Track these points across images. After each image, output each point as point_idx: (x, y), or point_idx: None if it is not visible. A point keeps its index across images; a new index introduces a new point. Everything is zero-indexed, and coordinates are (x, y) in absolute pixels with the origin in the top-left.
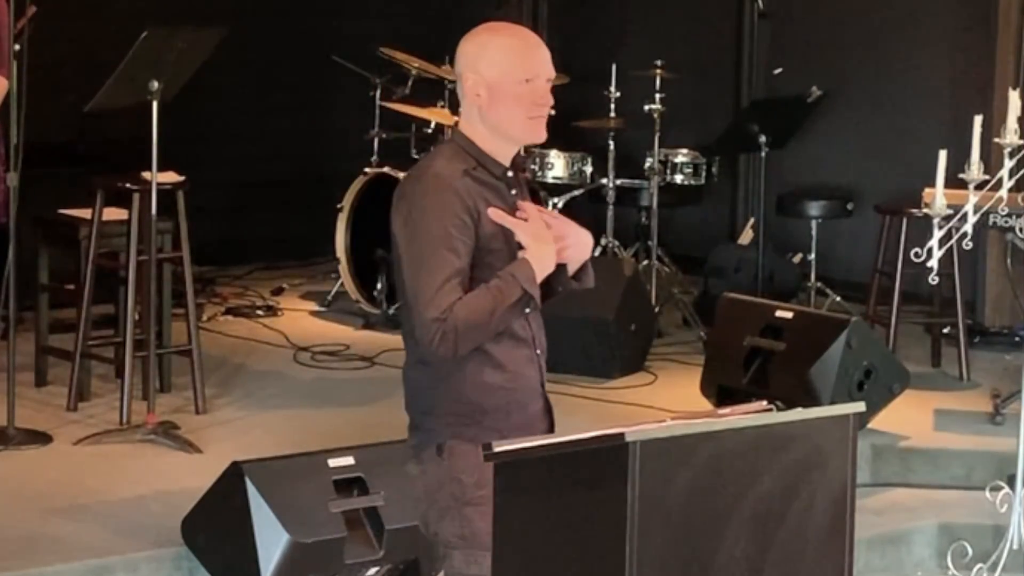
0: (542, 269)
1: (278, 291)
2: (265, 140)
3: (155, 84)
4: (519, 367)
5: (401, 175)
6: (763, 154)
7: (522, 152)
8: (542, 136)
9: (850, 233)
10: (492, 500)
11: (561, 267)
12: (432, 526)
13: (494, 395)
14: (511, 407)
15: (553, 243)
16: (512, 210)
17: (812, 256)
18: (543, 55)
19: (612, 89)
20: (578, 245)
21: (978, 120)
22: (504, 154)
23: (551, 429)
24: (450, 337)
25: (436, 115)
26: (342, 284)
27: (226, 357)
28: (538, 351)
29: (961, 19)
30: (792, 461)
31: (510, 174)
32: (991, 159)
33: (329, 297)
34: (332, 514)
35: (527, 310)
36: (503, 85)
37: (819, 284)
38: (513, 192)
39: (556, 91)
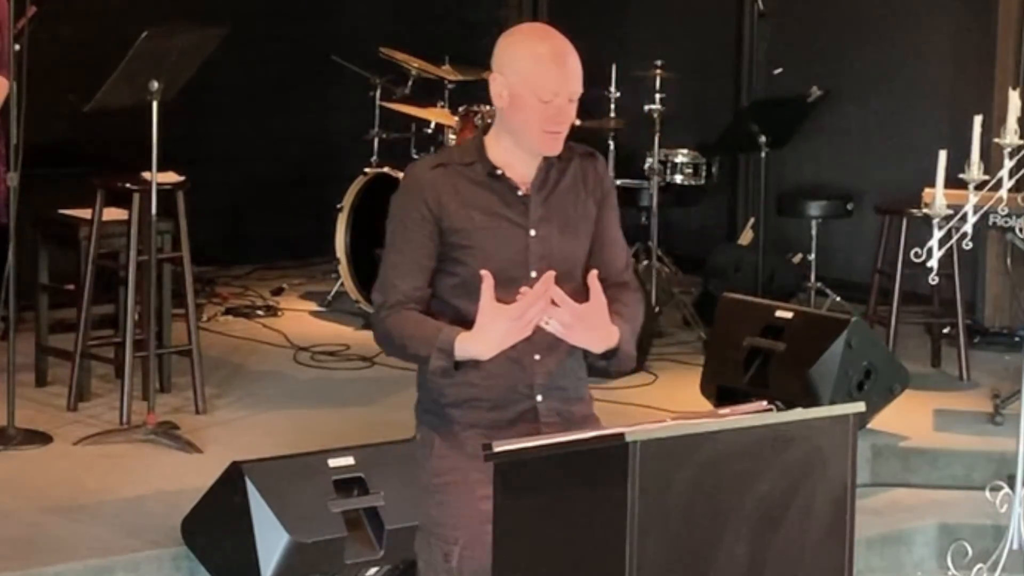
0: (476, 348)
1: (278, 291)
2: (265, 140)
3: (155, 84)
4: (495, 365)
5: (401, 175)
6: (763, 154)
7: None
8: (556, 150)
9: (850, 233)
10: (448, 489)
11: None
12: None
13: (457, 388)
14: (480, 403)
15: (501, 329)
16: (520, 208)
17: (812, 256)
18: (569, 72)
19: (612, 89)
20: (583, 333)
21: (978, 120)
22: (522, 158)
23: (538, 433)
24: (378, 331)
25: (436, 115)
26: (342, 284)
27: (226, 357)
28: (536, 356)
29: (961, 19)
30: (792, 461)
31: (500, 172)
32: (991, 159)
33: (329, 297)
34: (332, 514)
35: (429, 369)
36: (523, 96)
37: (819, 284)
38: (520, 193)
39: None
